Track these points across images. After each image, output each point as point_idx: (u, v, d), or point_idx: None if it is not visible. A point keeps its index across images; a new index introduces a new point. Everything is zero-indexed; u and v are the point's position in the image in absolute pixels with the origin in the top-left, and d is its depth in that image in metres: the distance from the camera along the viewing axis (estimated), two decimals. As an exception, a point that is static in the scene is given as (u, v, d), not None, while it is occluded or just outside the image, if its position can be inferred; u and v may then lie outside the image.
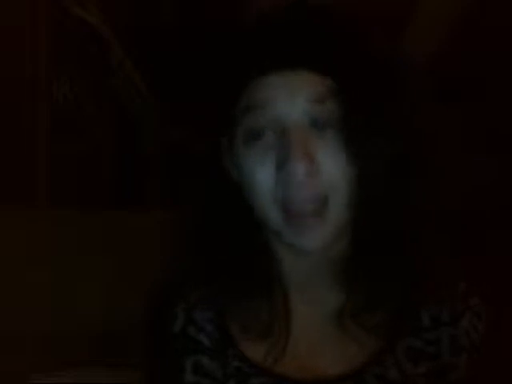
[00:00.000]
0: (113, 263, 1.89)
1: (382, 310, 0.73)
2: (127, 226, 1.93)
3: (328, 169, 0.68)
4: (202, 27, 2.02)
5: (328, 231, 0.69)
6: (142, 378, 0.79)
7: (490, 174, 1.72)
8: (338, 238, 0.72)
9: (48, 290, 1.84)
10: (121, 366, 1.63)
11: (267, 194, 0.70)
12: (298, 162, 0.67)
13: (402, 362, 0.73)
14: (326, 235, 0.69)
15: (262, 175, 0.69)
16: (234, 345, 0.75)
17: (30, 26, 1.97)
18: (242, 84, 0.71)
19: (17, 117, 1.97)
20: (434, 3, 1.85)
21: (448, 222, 0.75)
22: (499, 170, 1.73)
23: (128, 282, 1.82)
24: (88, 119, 2.05)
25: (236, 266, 0.74)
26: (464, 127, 1.69)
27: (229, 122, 0.72)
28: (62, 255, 1.87)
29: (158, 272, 0.80)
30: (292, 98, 0.69)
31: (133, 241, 1.89)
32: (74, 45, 2.02)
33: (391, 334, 0.74)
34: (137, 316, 0.80)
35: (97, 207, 1.99)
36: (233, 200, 0.74)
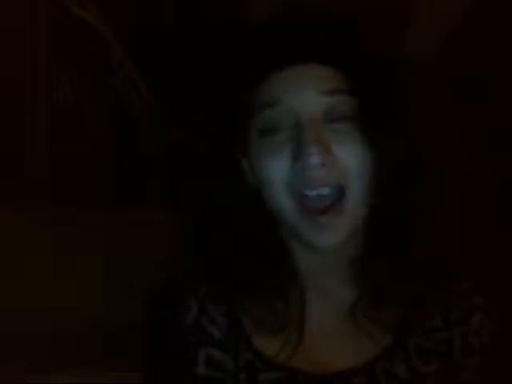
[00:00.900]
0: (113, 263, 1.89)
1: (394, 306, 0.74)
2: (127, 226, 1.93)
3: (343, 160, 0.69)
4: (202, 27, 2.02)
5: (343, 230, 0.70)
6: (142, 377, 0.79)
7: (490, 174, 1.72)
8: (353, 236, 0.72)
9: (48, 289, 1.84)
10: (121, 365, 1.63)
11: (283, 189, 0.70)
12: (313, 152, 0.67)
13: (412, 359, 0.73)
14: (341, 234, 0.70)
15: (277, 170, 0.70)
16: (246, 339, 0.75)
17: (30, 26, 1.97)
18: (254, 81, 0.71)
19: (17, 117, 1.97)
20: (434, 3, 1.85)
21: (451, 221, 0.75)
22: (499, 169, 1.73)
23: (128, 282, 1.82)
24: (88, 119, 2.05)
25: (251, 261, 0.75)
26: (464, 127, 1.69)
27: (241, 119, 0.73)
28: (61, 255, 1.87)
29: (158, 271, 0.80)
30: (304, 92, 0.70)
31: (133, 241, 1.89)
32: (74, 45, 2.02)
33: (402, 330, 0.74)
34: (137, 316, 0.79)
35: (97, 207, 1.99)
36: (248, 199, 0.75)
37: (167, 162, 2.02)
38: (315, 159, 0.67)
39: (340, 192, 0.69)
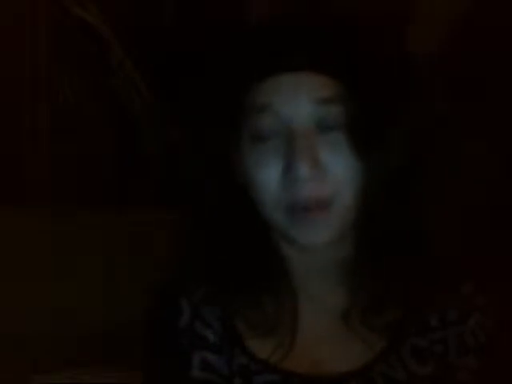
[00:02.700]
0: (113, 263, 1.89)
1: (388, 309, 0.73)
2: (127, 225, 1.93)
3: (334, 171, 0.69)
4: (202, 27, 2.02)
5: (333, 227, 0.70)
6: (142, 377, 0.79)
7: (490, 174, 1.72)
8: (344, 236, 0.72)
9: (48, 289, 1.84)
10: (121, 365, 1.63)
11: (272, 195, 0.70)
12: (303, 166, 0.67)
13: (408, 361, 0.73)
14: (331, 231, 0.70)
15: (266, 177, 0.70)
16: (240, 342, 0.75)
17: (30, 26, 1.97)
18: (247, 86, 0.71)
19: (17, 117, 1.97)
20: (434, 3, 1.85)
21: (454, 221, 0.75)
22: (500, 169, 1.73)
23: (128, 281, 1.82)
24: (88, 119, 2.05)
25: (242, 263, 0.75)
26: (464, 127, 1.69)
27: (234, 122, 0.72)
28: (61, 255, 1.87)
29: (159, 271, 0.80)
30: (297, 100, 0.69)
31: (133, 241, 1.89)
32: (74, 45, 2.02)
33: (397, 333, 0.74)
34: (137, 316, 0.80)
35: (97, 207, 1.99)
36: (238, 199, 0.75)
37: (167, 162, 2.02)
38: (305, 172, 0.67)
39: (329, 200, 0.69)
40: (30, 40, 1.98)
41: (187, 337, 0.75)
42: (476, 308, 0.75)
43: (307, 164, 0.67)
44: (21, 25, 1.96)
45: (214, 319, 0.76)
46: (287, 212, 0.70)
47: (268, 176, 0.70)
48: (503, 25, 1.75)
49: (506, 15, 1.72)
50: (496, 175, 1.72)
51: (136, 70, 2.06)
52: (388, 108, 0.69)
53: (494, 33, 1.76)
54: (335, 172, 0.68)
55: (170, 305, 0.77)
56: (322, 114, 0.69)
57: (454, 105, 1.68)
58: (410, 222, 0.73)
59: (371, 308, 0.73)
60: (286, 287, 0.76)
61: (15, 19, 1.95)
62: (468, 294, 0.76)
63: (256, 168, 0.70)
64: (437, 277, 0.75)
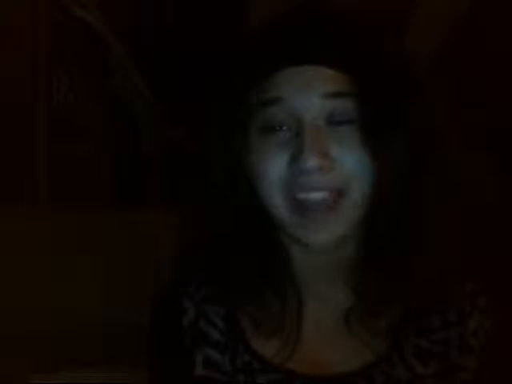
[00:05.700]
0: (113, 263, 1.89)
1: (389, 310, 0.73)
2: (127, 226, 1.93)
3: (343, 165, 0.69)
4: (202, 27, 2.03)
5: (336, 228, 0.69)
6: (147, 377, 0.79)
7: (491, 174, 1.72)
8: (349, 237, 0.72)
9: (48, 289, 1.84)
10: (121, 366, 1.63)
11: (278, 187, 0.70)
12: (310, 156, 0.67)
13: (410, 362, 0.73)
14: (333, 232, 0.69)
15: (274, 168, 0.70)
16: (244, 340, 0.75)
17: (30, 26, 1.97)
18: (257, 80, 0.71)
19: (17, 117, 1.97)
20: (434, 3, 1.85)
21: (454, 221, 0.75)
22: (500, 169, 1.73)
23: (128, 282, 1.82)
24: (88, 119, 2.05)
25: (246, 263, 0.74)
26: (464, 127, 1.69)
27: (242, 120, 0.72)
28: (61, 255, 1.87)
29: (158, 272, 0.80)
30: (307, 93, 0.69)
31: (133, 241, 1.89)
32: (73, 45, 2.02)
33: (399, 333, 0.74)
34: (137, 316, 0.79)
35: (97, 207, 1.99)
36: (242, 198, 0.74)
37: (167, 162, 2.03)
38: (312, 163, 0.67)
39: (337, 195, 0.69)
40: (30, 40, 1.98)
41: (191, 335, 0.75)
42: (477, 308, 0.75)
43: (315, 155, 0.67)
44: (21, 25, 1.96)
45: (217, 318, 0.76)
46: (292, 205, 0.70)
47: (275, 167, 0.70)
48: (503, 25, 1.75)
49: (506, 15, 1.72)
50: (496, 176, 1.72)
51: (136, 70, 2.06)
52: (393, 106, 0.70)
53: (494, 33, 1.76)
54: (344, 166, 0.68)
55: (173, 305, 0.77)
56: (331, 107, 0.69)
57: (454, 105, 1.68)
58: (411, 222, 0.72)
59: (371, 311, 0.73)
60: (290, 287, 0.76)
61: (15, 19, 1.95)
62: (469, 294, 0.76)
63: (263, 160, 0.71)
64: (438, 277, 0.75)
